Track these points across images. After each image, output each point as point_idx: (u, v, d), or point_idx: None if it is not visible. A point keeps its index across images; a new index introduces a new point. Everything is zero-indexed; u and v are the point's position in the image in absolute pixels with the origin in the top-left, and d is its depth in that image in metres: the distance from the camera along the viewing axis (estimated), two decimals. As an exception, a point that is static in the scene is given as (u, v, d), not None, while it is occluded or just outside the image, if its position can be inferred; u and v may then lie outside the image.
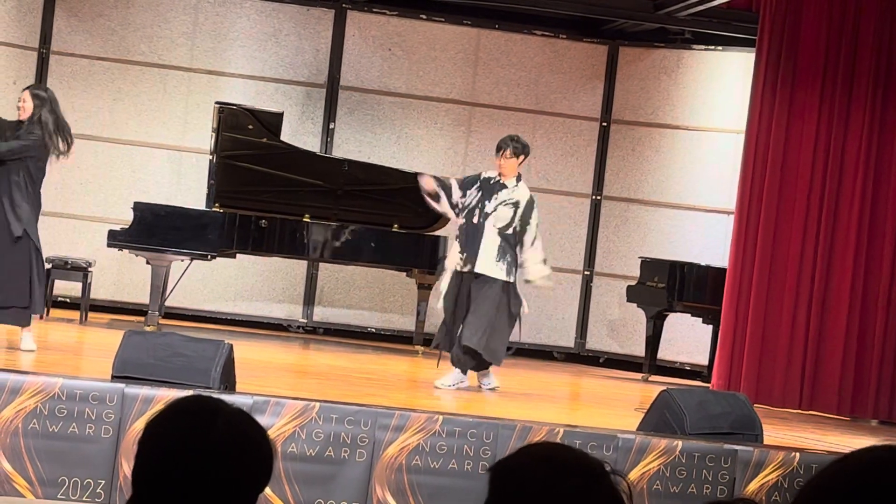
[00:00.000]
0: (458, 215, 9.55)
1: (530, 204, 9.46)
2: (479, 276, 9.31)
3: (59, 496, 6.55)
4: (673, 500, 7.08)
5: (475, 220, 9.43)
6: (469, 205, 9.49)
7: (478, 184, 9.56)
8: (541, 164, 13.51)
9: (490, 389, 9.51)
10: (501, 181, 9.47)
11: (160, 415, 2.38)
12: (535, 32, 13.68)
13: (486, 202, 9.44)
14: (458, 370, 9.42)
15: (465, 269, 9.37)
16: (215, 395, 2.51)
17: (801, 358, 11.01)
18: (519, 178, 9.54)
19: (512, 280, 9.35)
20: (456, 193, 9.54)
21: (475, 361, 9.38)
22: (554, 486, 2.14)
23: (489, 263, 9.32)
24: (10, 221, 8.95)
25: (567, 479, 2.15)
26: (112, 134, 13.03)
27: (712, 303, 11.67)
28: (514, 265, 9.37)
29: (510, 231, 9.39)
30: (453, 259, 9.51)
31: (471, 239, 9.39)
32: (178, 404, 2.40)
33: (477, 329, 9.21)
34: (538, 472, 2.16)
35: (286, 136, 12.24)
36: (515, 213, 9.42)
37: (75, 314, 11.82)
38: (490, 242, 9.34)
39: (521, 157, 9.56)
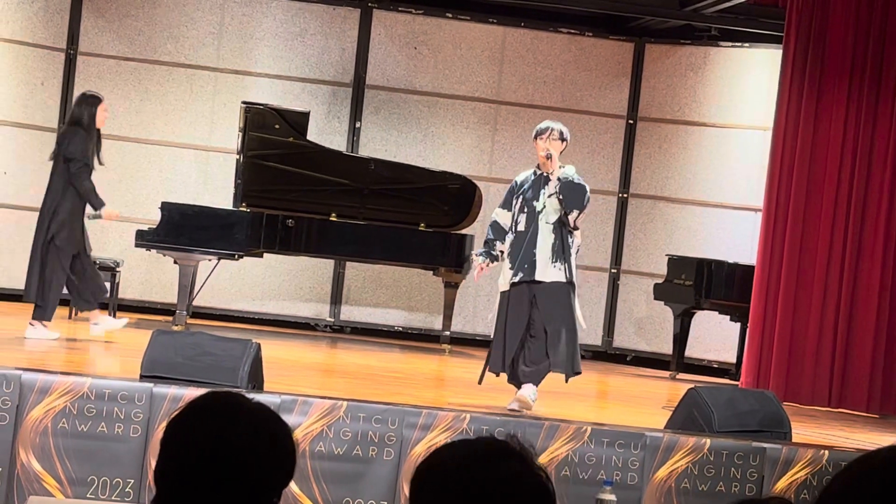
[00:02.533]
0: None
1: (578, 180, 8.59)
2: (537, 284, 8.45)
3: (88, 495, 6.57)
4: (701, 498, 7.06)
5: (522, 227, 8.55)
6: (514, 216, 8.63)
7: (518, 192, 8.67)
8: (567, 162, 13.45)
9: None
10: (545, 174, 8.61)
11: (182, 414, 2.38)
12: (560, 30, 13.67)
13: (535, 202, 8.56)
14: (530, 384, 8.52)
15: (517, 279, 8.47)
16: (236, 392, 2.50)
17: (830, 355, 10.97)
18: (562, 167, 8.65)
19: (571, 278, 8.48)
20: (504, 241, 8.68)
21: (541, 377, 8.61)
22: (473, 476, 2.10)
23: (544, 267, 8.45)
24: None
25: (486, 469, 2.11)
26: (139, 134, 13.07)
27: (740, 300, 11.64)
28: (570, 261, 8.50)
29: (560, 222, 8.52)
30: (504, 279, 8.58)
31: (518, 248, 8.50)
32: (199, 402, 2.39)
33: (563, 354, 8.44)
34: (457, 466, 2.12)
35: (312, 135, 12.26)
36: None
37: (104, 314, 11.85)
38: (546, 242, 8.48)
39: (565, 144, 8.65)
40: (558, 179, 8.51)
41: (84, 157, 9.82)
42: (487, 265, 8.66)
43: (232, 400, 2.38)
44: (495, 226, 8.70)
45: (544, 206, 8.52)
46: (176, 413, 2.38)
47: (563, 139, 8.62)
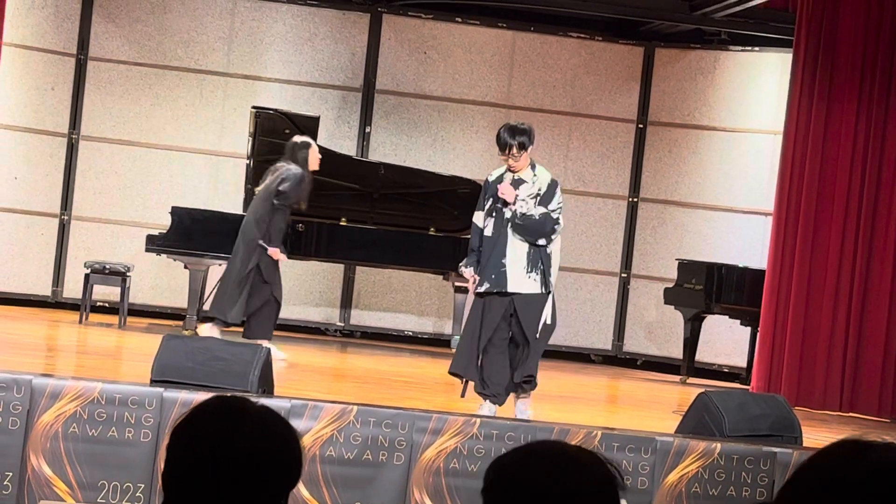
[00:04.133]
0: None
1: (552, 187, 8.17)
2: (510, 296, 8.07)
3: (99, 500, 6.58)
4: (711, 502, 7.05)
5: (490, 231, 8.15)
6: (484, 217, 8.23)
7: (488, 192, 8.24)
8: (577, 166, 13.49)
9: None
10: (517, 176, 8.15)
11: (187, 418, 2.38)
12: (570, 34, 13.66)
13: (504, 208, 8.12)
14: (493, 404, 8.16)
15: (489, 290, 8.09)
16: (241, 396, 2.50)
17: (841, 359, 10.95)
18: (534, 166, 8.24)
19: (547, 291, 8.09)
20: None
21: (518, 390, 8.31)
22: (549, 488, 2.09)
23: (520, 278, 8.06)
24: None
25: (563, 483, 2.09)
26: (149, 139, 13.09)
27: (750, 304, 11.62)
28: (547, 272, 8.08)
29: None
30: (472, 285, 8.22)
31: (486, 255, 8.11)
32: (204, 406, 2.39)
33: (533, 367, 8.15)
34: (534, 473, 2.10)
35: (322, 139, 12.26)
36: (537, 202, 8.13)
37: (114, 319, 11.88)
38: (517, 250, 8.08)
39: (530, 149, 8.13)
40: (515, 214, 8.07)
41: (294, 200, 10.36)
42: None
43: (237, 403, 2.38)
44: (476, 230, 8.29)
45: (514, 213, 8.12)
46: (181, 417, 2.38)
47: (524, 147, 8.10)
